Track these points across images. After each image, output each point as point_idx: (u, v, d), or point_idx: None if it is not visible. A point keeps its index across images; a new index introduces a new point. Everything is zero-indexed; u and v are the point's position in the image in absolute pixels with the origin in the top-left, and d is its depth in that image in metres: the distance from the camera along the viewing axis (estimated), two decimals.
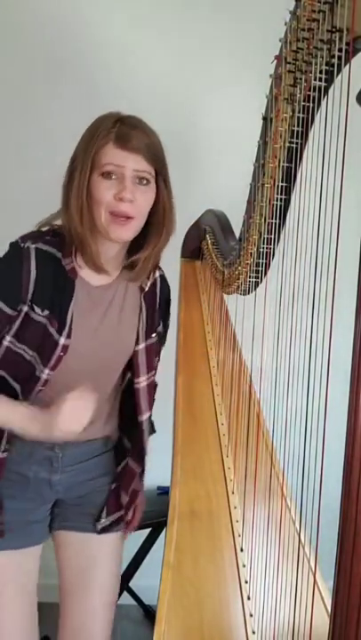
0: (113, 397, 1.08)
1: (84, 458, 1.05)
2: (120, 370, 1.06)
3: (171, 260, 1.65)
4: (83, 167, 0.91)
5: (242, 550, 0.91)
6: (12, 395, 0.98)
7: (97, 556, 1.08)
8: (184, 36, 1.80)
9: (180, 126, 1.81)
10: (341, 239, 0.55)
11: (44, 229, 0.99)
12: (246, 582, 0.88)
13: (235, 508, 0.96)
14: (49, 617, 1.66)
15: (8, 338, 0.96)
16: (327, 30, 0.61)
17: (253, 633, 0.81)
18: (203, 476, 1.00)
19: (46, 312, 0.94)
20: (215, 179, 1.82)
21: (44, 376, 0.96)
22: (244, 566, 0.89)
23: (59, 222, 1.00)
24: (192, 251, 1.53)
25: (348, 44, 0.57)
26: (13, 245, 0.96)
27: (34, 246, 0.94)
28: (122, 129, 0.91)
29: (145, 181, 0.93)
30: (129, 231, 0.93)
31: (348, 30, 0.57)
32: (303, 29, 0.67)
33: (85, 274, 0.98)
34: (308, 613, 0.69)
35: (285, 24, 0.73)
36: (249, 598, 0.85)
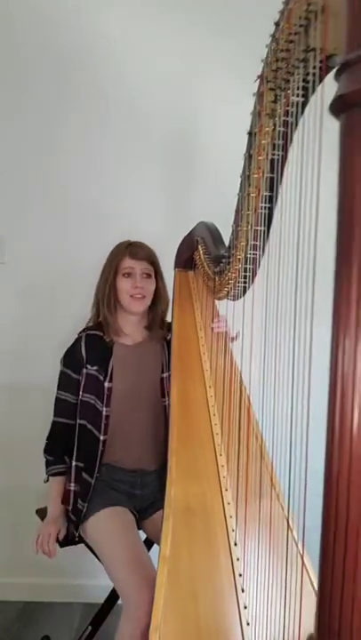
0: (154, 432, 1.49)
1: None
2: (153, 397, 1.48)
3: (167, 270, 1.68)
4: (108, 274, 1.46)
5: (235, 544, 0.92)
6: (93, 437, 1.43)
7: None
8: (189, 41, 1.81)
9: (181, 130, 1.86)
10: (321, 244, 0.58)
11: (91, 324, 1.53)
12: (240, 575, 0.88)
13: (228, 503, 0.98)
14: (49, 617, 1.65)
15: (81, 393, 1.46)
16: (302, 50, 0.64)
17: (248, 624, 0.82)
18: (197, 474, 1.02)
19: (95, 367, 1.45)
20: (212, 189, 1.83)
21: (104, 412, 1.42)
22: (238, 560, 0.90)
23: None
24: (185, 260, 1.56)
25: (321, 61, 0.61)
26: (76, 338, 1.52)
27: (84, 334, 1.50)
28: (132, 249, 1.46)
29: (149, 276, 1.48)
30: (142, 305, 1.47)
31: (320, 50, 0.60)
32: (282, 50, 0.71)
33: (121, 339, 1.50)
34: (298, 604, 0.71)
35: (266, 46, 0.77)
36: (243, 591, 0.86)
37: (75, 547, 1.35)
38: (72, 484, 1.45)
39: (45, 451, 1.52)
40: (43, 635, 1.49)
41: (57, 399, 1.51)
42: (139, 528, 1.42)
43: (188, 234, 1.47)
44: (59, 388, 1.51)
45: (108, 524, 1.31)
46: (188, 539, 0.91)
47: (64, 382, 1.50)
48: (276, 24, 0.72)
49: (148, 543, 1.49)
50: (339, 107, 0.45)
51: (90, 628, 1.36)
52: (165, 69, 1.85)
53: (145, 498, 1.46)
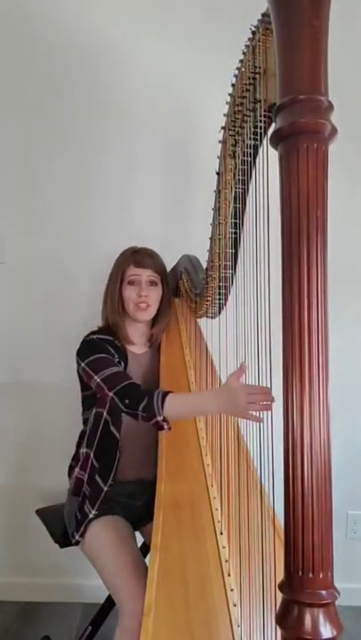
0: (156, 442, 1.26)
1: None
2: None
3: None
4: (115, 282, 1.38)
5: (221, 534, 0.96)
6: (110, 435, 1.30)
7: None
8: (189, 41, 1.76)
9: (182, 130, 1.82)
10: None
11: (98, 329, 1.40)
12: (226, 561, 0.92)
13: (214, 498, 1.02)
14: (49, 617, 1.59)
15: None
16: (252, 102, 0.76)
17: (235, 605, 0.84)
18: (185, 472, 1.06)
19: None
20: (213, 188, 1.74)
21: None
22: (224, 547, 0.93)
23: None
24: (171, 290, 1.65)
25: (266, 110, 0.72)
26: (88, 340, 1.34)
27: (96, 337, 1.34)
28: (137, 256, 1.38)
29: (154, 284, 1.39)
30: (148, 314, 1.38)
31: (265, 100, 0.71)
32: (237, 104, 0.83)
33: (129, 347, 1.40)
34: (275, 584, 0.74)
35: (226, 103, 0.90)
36: (229, 575, 0.89)
37: (75, 547, 1.32)
38: (83, 472, 1.33)
39: (138, 397, 1.12)
40: (43, 635, 1.43)
41: (106, 377, 1.19)
42: (135, 530, 1.39)
43: (173, 268, 1.56)
44: (98, 371, 1.21)
45: (104, 532, 1.25)
46: (177, 530, 0.94)
47: (105, 362, 1.24)
48: (233, 85, 0.85)
49: (147, 548, 1.47)
50: (276, 138, 0.55)
51: (90, 628, 1.33)
52: (166, 70, 1.81)
53: (143, 506, 1.36)
